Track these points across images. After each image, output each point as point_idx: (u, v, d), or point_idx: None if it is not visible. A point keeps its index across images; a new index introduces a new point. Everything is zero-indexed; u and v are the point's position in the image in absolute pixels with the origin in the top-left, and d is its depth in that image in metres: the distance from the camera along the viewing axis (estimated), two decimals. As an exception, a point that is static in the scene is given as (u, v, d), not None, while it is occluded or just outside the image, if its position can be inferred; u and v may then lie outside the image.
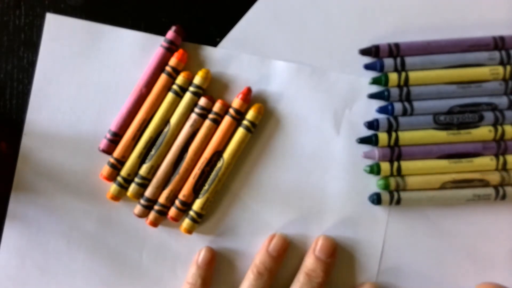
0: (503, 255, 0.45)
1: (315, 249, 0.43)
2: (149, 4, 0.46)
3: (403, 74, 0.44)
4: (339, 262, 0.45)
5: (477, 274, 0.44)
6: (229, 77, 0.46)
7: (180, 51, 0.44)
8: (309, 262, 0.43)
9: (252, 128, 0.44)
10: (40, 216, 0.45)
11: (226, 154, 0.44)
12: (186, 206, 0.44)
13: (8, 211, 0.45)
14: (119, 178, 0.44)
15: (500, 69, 0.44)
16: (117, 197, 0.44)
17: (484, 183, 0.43)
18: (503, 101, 0.44)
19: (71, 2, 0.46)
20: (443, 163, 0.43)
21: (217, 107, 0.44)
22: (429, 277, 0.45)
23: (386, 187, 0.43)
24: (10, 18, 0.46)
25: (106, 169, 0.44)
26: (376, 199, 0.44)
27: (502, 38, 0.45)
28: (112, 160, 0.44)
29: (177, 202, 0.44)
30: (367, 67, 0.45)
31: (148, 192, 0.44)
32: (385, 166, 0.44)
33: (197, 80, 0.44)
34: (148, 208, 0.44)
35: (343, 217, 0.45)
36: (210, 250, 0.44)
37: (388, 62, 0.44)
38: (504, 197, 0.43)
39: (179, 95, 0.44)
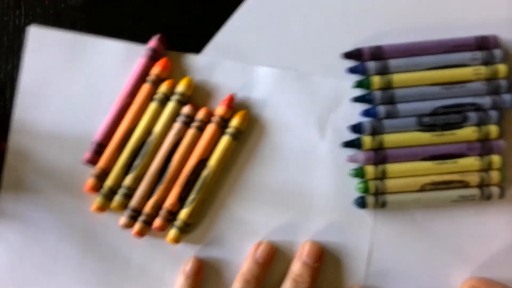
0: (490, 255, 0.44)
1: (301, 254, 0.43)
2: (149, 4, 0.46)
3: (386, 76, 0.44)
4: (327, 267, 0.44)
5: (465, 275, 0.44)
6: (212, 85, 0.46)
7: (163, 59, 0.44)
8: (296, 268, 0.43)
9: (238, 135, 0.44)
10: (26, 231, 0.45)
11: (212, 162, 0.44)
12: (172, 215, 0.44)
13: (-6, 225, 0.45)
14: (103, 189, 0.44)
15: (483, 69, 0.44)
16: (102, 208, 0.44)
17: (464, 184, 0.43)
18: (486, 101, 0.44)
19: (71, 2, 0.46)
20: (428, 164, 0.43)
21: (201, 114, 0.44)
22: (417, 279, 0.44)
23: (366, 190, 0.43)
24: (10, 18, 0.46)
25: (90, 181, 0.44)
26: (361, 203, 0.43)
27: (484, 38, 0.44)
28: (96, 171, 0.44)
29: (162, 212, 0.44)
30: (351, 70, 0.45)
31: (133, 203, 0.44)
32: (370, 170, 0.43)
33: (180, 88, 0.44)
34: (133, 218, 0.44)
35: (329, 221, 0.45)
36: (197, 260, 0.44)
37: (371, 65, 0.44)
38: (489, 197, 0.43)
39: (162, 104, 0.44)
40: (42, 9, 0.46)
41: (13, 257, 0.45)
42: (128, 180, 0.44)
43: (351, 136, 0.45)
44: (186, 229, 0.44)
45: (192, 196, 0.44)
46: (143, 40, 0.45)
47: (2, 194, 0.45)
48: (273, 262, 0.44)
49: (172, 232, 0.44)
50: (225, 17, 0.46)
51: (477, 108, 0.44)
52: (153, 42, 0.44)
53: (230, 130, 0.44)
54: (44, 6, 0.46)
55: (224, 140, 0.44)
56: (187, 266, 0.44)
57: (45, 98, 0.45)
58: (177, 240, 0.44)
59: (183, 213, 0.43)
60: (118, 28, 0.46)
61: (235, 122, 0.44)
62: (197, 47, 0.46)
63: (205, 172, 0.44)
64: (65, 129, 0.45)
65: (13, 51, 0.46)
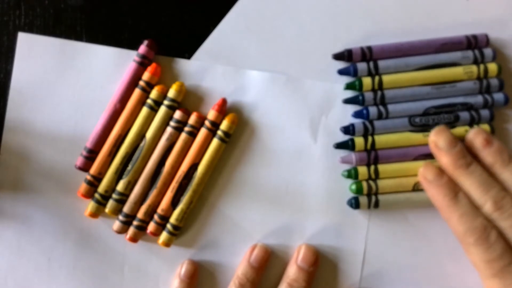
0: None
1: (297, 258, 0.43)
2: (150, 4, 0.46)
3: (377, 77, 0.44)
4: (322, 268, 0.44)
5: (460, 274, 0.44)
6: (204, 89, 0.46)
7: (153, 65, 0.44)
8: (292, 272, 0.43)
9: (226, 138, 0.44)
10: (22, 231, 0.45)
11: (200, 165, 0.44)
12: (165, 220, 0.44)
13: (-13, 233, 0.45)
14: (96, 195, 0.44)
15: (474, 68, 0.44)
16: (95, 214, 0.44)
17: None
18: (478, 100, 0.44)
19: (71, 2, 0.46)
20: (420, 164, 0.43)
21: (192, 119, 0.44)
22: (412, 280, 0.44)
23: (359, 191, 0.43)
24: (10, 18, 0.46)
25: (83, 187, 0.44)
26: (354, 203, 0.43)
27: (474, 37, 0.44)
28: (88, 177, 0.44)
29: (156, 217, 0.43)
30: (341, 72, 0.45)
31: (126, 208, 0.44)
32: (362, 170, 0.43)
33: (171, 93, 0.44)
34: (127, 224, 0.44)
35: (324, 223, 0.45)
36: (192, 263, 0.44)
37: (362, 66, 0.44)
38: (482, 196, 0.43)
39: (154, 109, 0.44)
40: (42, 9, 0.46)
41: (9, 256, 0.45)
42: (120, 186, 0.44)
43: (343, 137, 0.45)
44: (175, 233, 0.44)
45: (181, 200, 0.43)
46: (142, 40, 0.45)
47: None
48: (268, 265, 0.44)
49: (163, 236, 0.44)
50: (215, 22, 0.46)
51: (468, 107, 0.44)
52: (142, 48, 0.44)
53: (219, 133, 0.44)
54: (44, 6, 0.46)
55: (213, 144, 0.44)
56: (182, 269, 0.43)
57: (37, 104, 0.45)
58: (168, 243, 0.44)
59: (173, 216, 0.43)
60: (118, 28, 0.46)
61: (223, 125, 0.44)
62: (188, 52, 0.46)
63: (195, 176, 0.44)
64: (60, 131, 0.45)
65: (13, 51, 0.46)
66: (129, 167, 0.44)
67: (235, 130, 0.45)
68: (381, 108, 0.44)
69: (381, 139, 0.44)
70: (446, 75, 0.44)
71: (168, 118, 0.44)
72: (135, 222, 0.44)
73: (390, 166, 0.43)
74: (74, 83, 0.46)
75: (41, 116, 0.45)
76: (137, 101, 0.44)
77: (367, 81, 0.44)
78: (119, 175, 0.44)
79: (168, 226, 0.43)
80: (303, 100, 0.45)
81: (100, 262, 0.45)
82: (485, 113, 0.44)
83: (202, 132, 0.44)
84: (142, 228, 0.44)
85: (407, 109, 0.44)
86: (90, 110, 0.45)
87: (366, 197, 0.43)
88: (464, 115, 0.44)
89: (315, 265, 0.43)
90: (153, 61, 0.45)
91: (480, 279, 0.38)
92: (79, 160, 0.44)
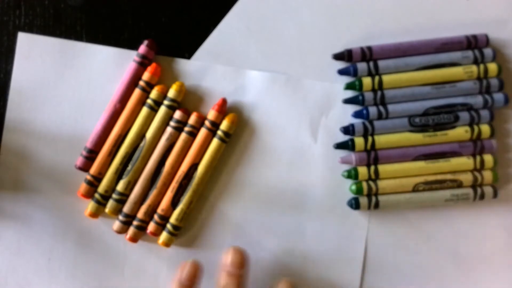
0: (484, 255, 0.44)
1: (226, 264, 0.40)
2: (150, 4, 0.46)
3: (377, 77, 0.44)
4: (322, 270, 0.44)
5: (461, 277, 0.44)
6: (204, 89, 0.46)
7: (153, 65, 0.44)
8: (222, 279, 0.40)
9: (226, 138, 0.44)
10: (22, 231, 0.45)
11: (200, 165, 0.44)
12: (165, 220, 0.44)
13: (-13, 233, 0.45)
14: (96, 195, 0.44)
15: (474, 68, 0.44)
16: (95, 214, 0.44)
17: (458, 183, 0.43)
18: (478, 100, 0.44)
19: (71, 2, 0.46)
20: (420, 164, 0.43)
21: (192, 119, 0.44)
22: (412, 280, 0.44)
23: (359, 191, 0.43)
24: (10, 18, 0.46)
25: (83, 187, 0.44)
26: (354, 204, 0.43)
27: (474, 37, 0.44)
28: (88, 177, 0.44)
29: (156, 217, 0.43)
30: (341, 72, 0.45)
31: (126, 208, 0.44)
32: (362, 171, 0.43)
33: (171, 93, 0.44)
34: (127, 224, 0.44)
35: (324, 224, 0.45)
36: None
37: (362, 66, 0.44)
38: (482, 197, 0.43)
39: (154, 109, 0.44)
40: (42, 9, 0.46)
41: (9, 256, 0.45)
42: (120, 186, 0.44)
43: (343, 137, 0.45)
44: (175, 233, 0.44)
45: (181, 200, 0.43)
46: (142, 40, 0.45)
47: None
48: (267, 265, 0.44)
49: (163, 236, 0.44)
50: (215, 22, 0.46)
51: (468, 108, 0.44)
52: (142, 48, 0.44)
53: (219, 133, 0.44)
54: (44, 6, 0.46)
55: (213, 144, 0.44)
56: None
57: (37, 104, 0.45)
58: (168, 243, 0.44)
59: (173, 216, 0.43)
60: (117, 28, 0.46)
61: (223, 125, 0.44)
62: (188, 52, 0.46)
63: (195, 176, 0.44)
64: (60, 131, 0.45)
65: (13, 51, 0.46)
66: (129, 167, 0.44)
67: (235, 130, 0.45)
68: (381, 108, 0.44)
69: (381, 139, 0.44)
70: (446, 75, 0.44)
71: (168, 118, 0.44)
72: (135, 222, 0.44)
73: (390, 166, 0.43)
74: (74, 83, 0.46)
75: (41, 116, 0.45)
76: (137, 101, 0.44)
77: (367, 81, 0.44)
78: (119, 175, 0.44)
79: (168, 226, 0.43)
80: (303, 100, 0.45)
81: (100, 262, 0.45)
82: (485, 113, 0.44)
83: (202, 132, 0.44)
84: (142, 228, 0.44)
85: (407, 109, 0.44)
86: (90, 110, 0.45)
87: (366, 197, 0.43)
88: (464, 115, 0.44)
89: (244, 266, 0.40)
90: (153, 61, 0.45)
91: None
92: (79, 160, 0.44)
